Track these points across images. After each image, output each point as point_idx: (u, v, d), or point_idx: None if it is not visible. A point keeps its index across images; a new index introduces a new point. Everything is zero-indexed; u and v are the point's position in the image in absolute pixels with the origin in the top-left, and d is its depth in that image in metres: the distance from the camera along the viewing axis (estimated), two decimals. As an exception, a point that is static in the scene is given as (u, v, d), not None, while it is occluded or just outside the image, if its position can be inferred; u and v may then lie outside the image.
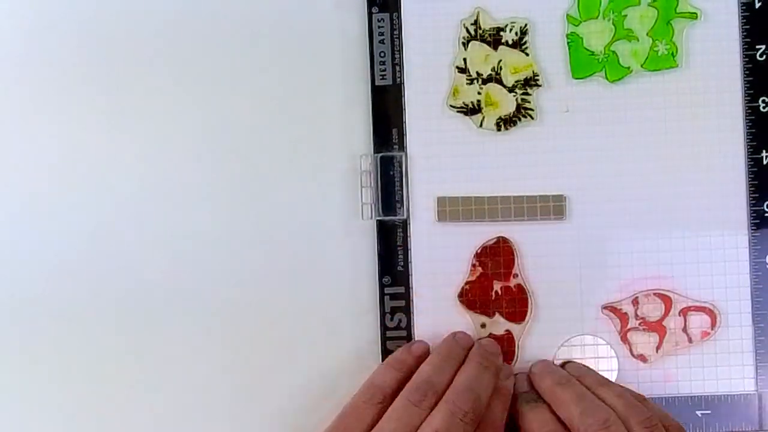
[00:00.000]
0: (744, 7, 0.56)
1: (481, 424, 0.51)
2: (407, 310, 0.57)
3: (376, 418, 0.51)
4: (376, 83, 0.57)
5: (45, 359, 0.57)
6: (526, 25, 0.56)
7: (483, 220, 0.56)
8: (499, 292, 0.57)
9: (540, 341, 0.56)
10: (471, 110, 0.57)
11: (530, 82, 0.57)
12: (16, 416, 0.56)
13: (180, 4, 0.57)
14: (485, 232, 0.56)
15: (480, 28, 0.57)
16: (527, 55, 0.57)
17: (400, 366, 0.54)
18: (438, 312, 0.57)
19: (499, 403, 0.53)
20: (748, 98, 0.56)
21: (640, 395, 0.54)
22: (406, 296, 0.57)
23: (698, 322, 0.56)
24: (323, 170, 0.58)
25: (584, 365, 0.56)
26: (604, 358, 0.56)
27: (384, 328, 0.57)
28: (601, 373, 0.55)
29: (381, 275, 0.57)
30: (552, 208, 0.56)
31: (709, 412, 0.56)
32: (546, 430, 0.51)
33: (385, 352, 0.57)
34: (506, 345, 0.56)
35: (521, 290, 0.57)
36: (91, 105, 0.57)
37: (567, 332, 0.56)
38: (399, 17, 0.57)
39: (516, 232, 0.56)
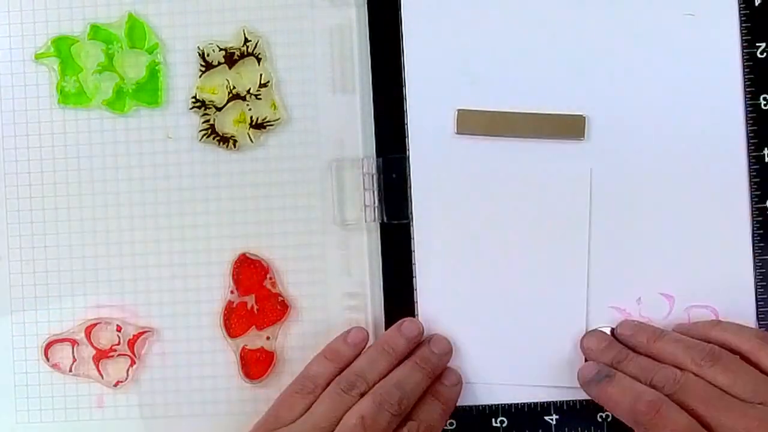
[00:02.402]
0: (744, 5, 0.56)
1: (420, 426, 0.52)
2: (412, 311, 0.57)
3: (307, 407, 0.52)
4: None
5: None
6: None
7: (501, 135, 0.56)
8: (503, 292, 0.57)
9: (548, 342, 0.57)
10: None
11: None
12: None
13: None
14: (491, 231, 0.56)
15: None
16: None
17: (333, 356, 0.55)
18: (443, 312, 0.57)
19: (438, 407, 0.54)
20: (749, 96, 0.56)
21: (707, 323, 0.55)
22: (411, 296, 0.57)
23: (702, 320, 0.56)
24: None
25: (634, 322, 0.55)
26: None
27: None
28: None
29: (386, 276, 0.57)
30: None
31: (714, 409, 0.56)
32: (629, 396, 0.51)
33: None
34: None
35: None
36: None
37: (575, 333, 0.56)
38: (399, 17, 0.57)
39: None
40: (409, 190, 0.57)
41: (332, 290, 0.57)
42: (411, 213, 0.57)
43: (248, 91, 0.57)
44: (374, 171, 0.57)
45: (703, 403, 0.50)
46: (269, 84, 0.57)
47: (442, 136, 0.57)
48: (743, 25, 0.56)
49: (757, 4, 0.56)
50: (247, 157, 0.58)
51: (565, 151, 0.56)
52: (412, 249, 0.57)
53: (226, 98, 0.57)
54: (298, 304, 0.57)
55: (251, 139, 0.57)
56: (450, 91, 0.57)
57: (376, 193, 0.57)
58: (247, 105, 0.57)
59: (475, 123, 0.56)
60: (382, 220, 0.57)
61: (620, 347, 0.54)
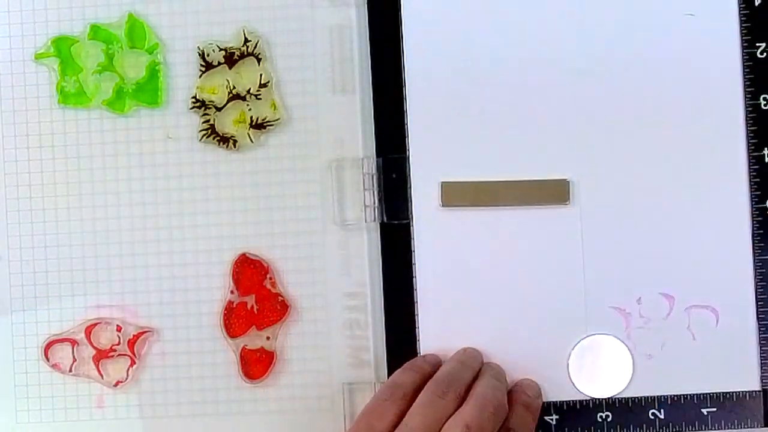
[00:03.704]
0: (744, 5, 0.56)
1: None
2: (412, 311, 0.57)
3: (399, 415, 0.50)
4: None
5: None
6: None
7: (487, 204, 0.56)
8: (503, 292, 0.57)
9: (548, 342, 0.57)
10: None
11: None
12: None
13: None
14: (491, 230, 0.56)
15: None
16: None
17: (418, 369, 0.54)
18: (444, 313, 0.57)
19: (530, 417, 0.54)
20: (749, 96, 0.56)
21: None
22: (411, 296, 0.57)
23: (702, 320, 0.56)
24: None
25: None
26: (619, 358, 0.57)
27: (389, 329, 0.57)
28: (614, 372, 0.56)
29: (386, 276, 0.57)
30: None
31: (714, 409, 0.56)
32: None
33: (390, 355, 0.57)
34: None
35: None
36: None
37: (575, 333, 0.56)
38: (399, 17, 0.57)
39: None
40: (409, 190, 0.57)
41: (332, 290, 0.57)
42: (411, 213, 0.57)
43: (248, 91, 0.57)
44: (374, 171, 0.57)
45: None
46: (269, 84, 0.57)
47: (442, 136, 0.57)
48: (743, 25, 0.56)
49: (757, 4, 0.56)
50: (247, 157, 0.58)
51: (565, 151, 0.57)
52: (412, 249, 0.57)
53: (226, 98, 0.57)
54: (298, 304, 0.57)
55: (251, 139, 0.57)
56: (450, 91, 0.57)
57: (376, 193, 0.57)
58: (247, 105, 0.57)
59: (459, 194, 0.56)
60: (382, 220, 0.57)
61: None
